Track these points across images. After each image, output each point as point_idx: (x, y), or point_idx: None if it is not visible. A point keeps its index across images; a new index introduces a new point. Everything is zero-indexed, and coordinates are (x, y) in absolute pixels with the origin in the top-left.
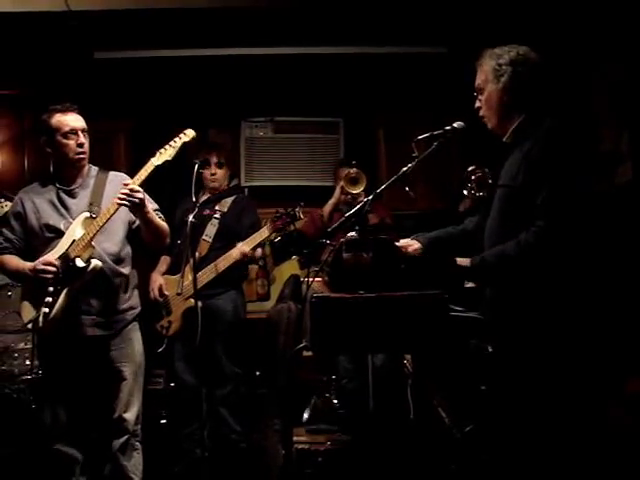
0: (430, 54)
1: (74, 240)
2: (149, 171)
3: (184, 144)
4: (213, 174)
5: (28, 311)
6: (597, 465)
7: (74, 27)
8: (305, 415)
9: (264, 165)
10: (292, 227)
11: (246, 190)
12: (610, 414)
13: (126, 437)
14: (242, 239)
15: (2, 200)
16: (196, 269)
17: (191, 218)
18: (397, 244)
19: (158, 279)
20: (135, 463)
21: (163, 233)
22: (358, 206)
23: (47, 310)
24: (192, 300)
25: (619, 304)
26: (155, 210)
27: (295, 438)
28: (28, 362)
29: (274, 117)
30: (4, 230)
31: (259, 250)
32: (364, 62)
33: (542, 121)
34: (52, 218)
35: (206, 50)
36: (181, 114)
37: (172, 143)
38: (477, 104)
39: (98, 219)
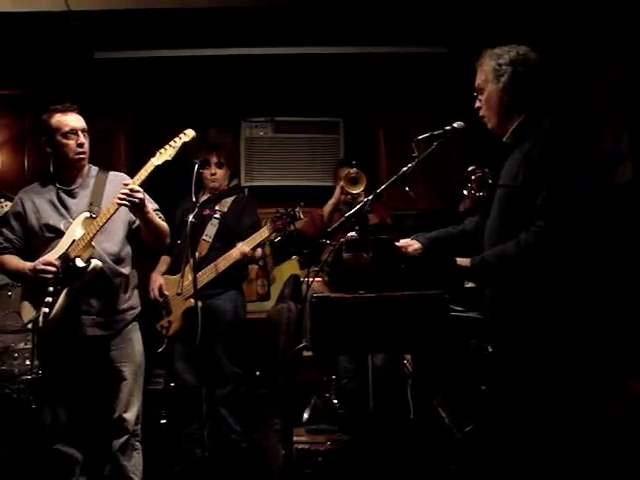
0: (430, 54)
1: (74, 240)
2: (149, 171)
3: (184, 144)
4: (213, 174)
5: (28, 311)
6: (597, 465)
7: (74, 27)
8: (305, 415)
9: (264, 165)
10: (292, 227)
11: (246, 190)
12: (610, 414)
13: (126, 437)
14: (242, 239)
15: (2, 200)
16: (196, 269)
17: (191, 218)
18: (397, 244)
19: (158, 279)
20: (135, 463)
21: (163, 233)
22: (358, 206)
23: (47, 310)
24: (192, 300)
25: (619, 304)
26: (155, 210)
27: (295, 438)
28: (28, 362)
29: (274, 117)
30: (4, 230)
31: (259, 250)
32: (364, 62)
33: (542, 121)
34: (52, 218)
35: (206, 50)
36: (181, 114)
37: (172, 143)
38: (477, 104)
39: (98, 219)
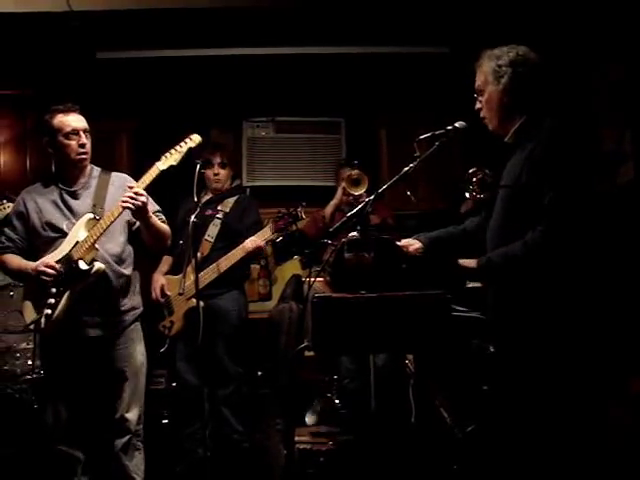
0: (432, 54)
1: (77, 242)
2: (154, 175)
3: (190, 149)
4: (216, 174)
5: (30, 311)
6: (598, 465)
7: (76, 27)
8: (307, 419)
9: (266, 165)
10: (294, 227)
11: (248, 190)
12: (611, 414)
13: (128, 437)
14: (244, 239)
15: (4, 201)
16: (198, 269)
17: (193, 218)
18: (398, 243)
19: (160, 279)
20: (137, 463)
21: (164, 235)
22: (359, 206)
23: (49, 311)
24: (194, 300)
25: (621, 304)
26: (156, 212)
27: (297, 438)
28: (30, 362)
29: (276, 117)
30: (6, 230)
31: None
32: (366, 62)
33: (543, 122)
34: (54, 218)
35: (208, 50)
36: (183, 114)
37: (178, 148)
38: (477, 105)
39: (102, 221)
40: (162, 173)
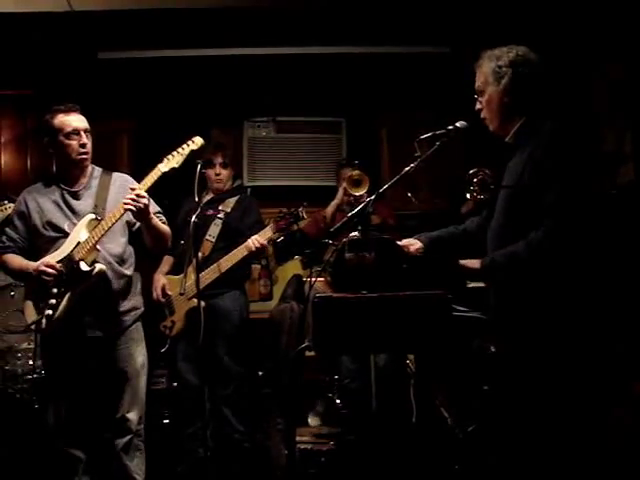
0: (433, 54)
1: (79, 242)
2: (155, 177)
3: (192, 152)
4: (218, 174)
5: (31, 311)
6: (599, 466)
7: (77, 27)
8: (310, 421)
9: (266, 165)
10: (295, 227)
11: (249, 190)
12: (612, 414)
13: (129, 437)
14: (245, 239)
15: (5, 202)
16: (199, 269)
17: (194, 218)
18: (399, 243)
19: (161, 279)
20: (138, 463)
21: (165, 236)
22: (360, 206)
23: (50, 312)
24: (195, 300)
25: (623, 305)
26: (157, 213)
27: (298, 438)
28: (31, 362)
29: (276, 117)
30: (7, 230)
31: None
32: (367, 62)
33: (544, 122)
34: (56, 217)
35: (209, 50)
36: (184, 114)
37: (180, 150)
38: (478, 106)
39: (103, 223)
40: (164, 175)
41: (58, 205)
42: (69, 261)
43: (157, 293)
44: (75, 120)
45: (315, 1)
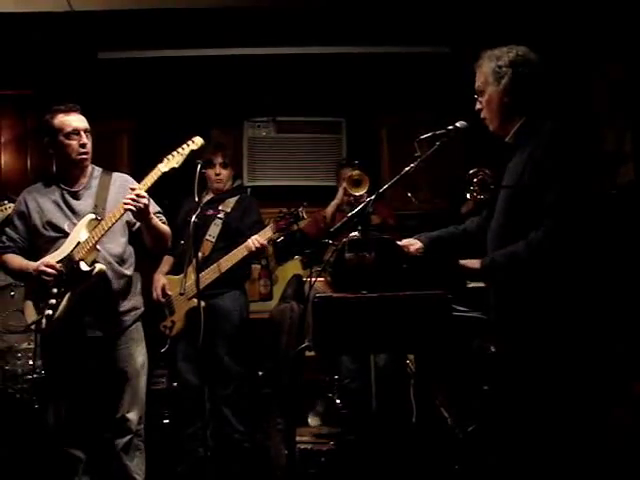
0: (433, 54)
1: (79, 242)
2: (155, 177)
3: (192, 152)
4: (218, 174)
5: (31, 311)
6: (599, 466)
7: (77, 27)
8: (310, 421)
9: (266, 165)
10: (295, 227)
11: (249, 190)
12: (612, 415)
13: (129, 437)
14: (245, 238)
15: (5, 202)
16: (199, 269)
17: (194, 218)
18: (399, 243)
19: (161, 279)
20: (138, 463)
21: (164, 236)
22: (360, 206)
23: (50, 312)
24: (195, 300)
25: (623, 305)
26: (157, 213)
27: (298, 438)
28: (31, 362)
29: (276, 117)
30: (7, 229)
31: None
32: (367, 62)
33: (544, 122)
34: (56, 217)
35: (209, 50)
36: (184, 114)
37: (180, 150)
38: (478, 106)
39: (103, 223)
40: (163, 175)
41: (58, 205)
42: (69, 261)
43: (157, 293)
44: (75, 120)
45: (315, 1)
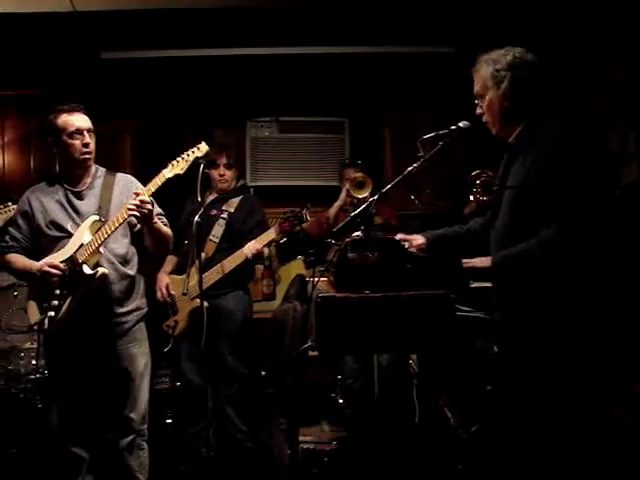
0: (436, 54)
1: (82, 244)
2: (159, 183)
3: (196, 158)
4: (222, 175)
5: (34, 311)
6: (602, 466)
7: (80, 27)
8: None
9: (269, 165)
10: (298, 228)
11: (251, 190)
12: (613, 416)
13: (132, 436)
14: (248, 239)
15: (9, 203)
16: (202, 269)
17: (197, 218)
18: (402, 236)
19: (164, 279)
20: (141, 462)
21: (166, 239)
22: (363, 206)
23: (53, 314)
24: (198, 300)
25: (625, 306)
26: (159, 214)
27: (301, 438)
28: (34, 362)
29: (279, 117)
30: (11, 229)
31: (265, 250)
32: (370, 62)
33: (546, 124)
34: (59, 217)
35: (212, 50)
36: (187, 114)
37: (185, 156)
38: (479, 111)
39: (106, 226)
40: (167, 180)
41: (61, 205)
42: (72, 263)
43: (162, 292)
44: (78, 120)
45: (318, 1)
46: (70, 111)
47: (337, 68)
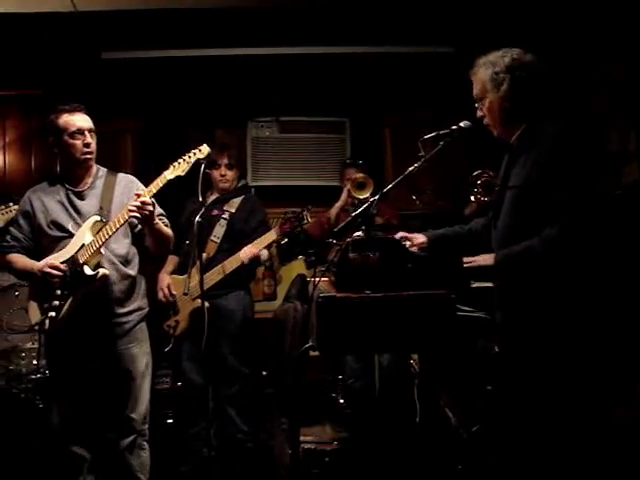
0: (437, 54)
1: (83, 244)
2: (161, 185)
3: (198, 160)
4: (223, 175)
5: (35, 311)
6: (604, 466)
7: (81, 27)
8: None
9: (270, 165)
10: (299, 229)
11: (252, 190)
12: (615, 416)
13: (133, 436)
14: (249, 239)
15: (10, 204)
16: (203, 270)
17: (198, 218)
18: (402, 234)
19: (166, 278)
20: (142, 462)
21: (167, 239)
22: (364, 206)
23: (53, 314)
24: (199, 300)
25: (627, 306)
26: (160, 215)
27: (302, 438)
28: (35, 362)
29: (280, 117)
30: (12, 229)
31: (265, 252)
32: (371, 62)
33: (547, 124)
34: (60, 217)
35: (213, 50)
36: (188, 114)
37: (186, 158)
38: (479, 113)
39: (107, 227)
40: (169, 182)
41: (63, 205)
42: (73, 264)
43: (164, 292)
44: (79, 120)
45: (319, 1)
46: (71, 111)
47: (338, 68)
